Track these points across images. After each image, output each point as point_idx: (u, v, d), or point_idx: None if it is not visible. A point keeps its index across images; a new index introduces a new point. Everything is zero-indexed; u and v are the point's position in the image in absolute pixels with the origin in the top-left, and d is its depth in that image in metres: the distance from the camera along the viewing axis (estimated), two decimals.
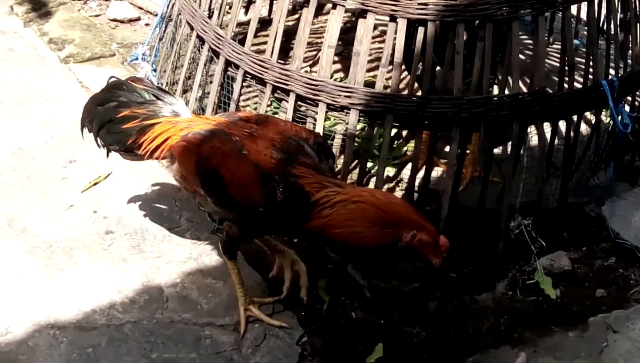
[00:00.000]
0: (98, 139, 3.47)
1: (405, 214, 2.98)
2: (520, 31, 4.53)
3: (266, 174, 2.98)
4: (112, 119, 3.38)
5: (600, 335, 3.41)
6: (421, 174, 3.68)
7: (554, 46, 4.59)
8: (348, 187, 3.06)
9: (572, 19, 4.40)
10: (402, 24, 3.41)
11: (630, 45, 3.83)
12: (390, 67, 3.52)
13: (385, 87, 3.59)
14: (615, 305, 3.56)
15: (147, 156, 3.33)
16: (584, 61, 3.69)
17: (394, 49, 3.47)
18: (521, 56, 4.40)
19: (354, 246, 3.05)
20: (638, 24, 3.87)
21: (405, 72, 3.93)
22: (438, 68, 3.64)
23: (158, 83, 4.29)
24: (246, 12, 4.81)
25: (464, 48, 3.45)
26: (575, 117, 3.66)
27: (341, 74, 4.51)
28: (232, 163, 3.03)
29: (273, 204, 2.98)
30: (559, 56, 3.79)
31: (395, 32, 3.45)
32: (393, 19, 3.43)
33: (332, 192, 2.96)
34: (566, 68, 3.56)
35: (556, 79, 3.70)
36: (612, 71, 3.77)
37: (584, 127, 3.84)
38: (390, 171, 4.01)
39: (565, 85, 3.61)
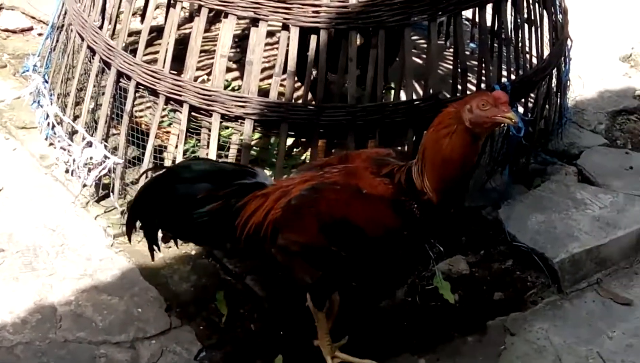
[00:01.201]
0: (162, 232, 3.19)
1: (447, 114, 2.84)
2: (419, 35, 4.59)
3: (395, 201, 2.89)
4: (188, 205, 3.01)
5: (498, 339, 3.45)
6: None
7: (451, 50, 4.62)
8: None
9: (468, 23, 4.47)
10: (294, 32, 3.39)
11: (525, 48, 3.86)
12: (284, 75, 3.48)
13: (282, 94, 3.57)
14: (512, 308, 3.59)
15: (244, 238, 3.04)
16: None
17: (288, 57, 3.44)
18: (419, 61, 4.44)
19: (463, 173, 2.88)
20: (532, 27, 3.91)
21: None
22: (333, 75, 3.62)
23: (50, 96, 4.18)
24: (142, 21, 4.73)
25: (361, 54, 3.45)
26: None
27: (240, 82, 4.46)
28: (360, 206, 2.91)
29: (414, 223, 2.91)
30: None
31: (289, 40, 3.43)
32: (286, 27, 3.39)
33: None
34: (459, 73, 3.57)
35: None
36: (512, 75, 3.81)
37: None
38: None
39: (460, 88, 3.63)
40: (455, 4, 3.44)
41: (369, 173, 2.93)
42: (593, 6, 5.61)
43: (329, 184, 2.95)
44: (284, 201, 2.97)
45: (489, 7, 3.70)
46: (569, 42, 4.18)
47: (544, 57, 3.90)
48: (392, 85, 3.80)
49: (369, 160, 2.99)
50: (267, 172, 3.15)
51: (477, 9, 3.67)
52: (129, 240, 3.30)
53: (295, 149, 4.08)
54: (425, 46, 4.62)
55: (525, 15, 3.84)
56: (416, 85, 4.00)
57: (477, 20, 4.00)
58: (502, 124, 3.16)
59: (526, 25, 3.87)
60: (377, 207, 2.89)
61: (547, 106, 4.07)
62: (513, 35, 3.85)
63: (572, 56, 4.31)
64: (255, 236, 3.00)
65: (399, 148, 3.55)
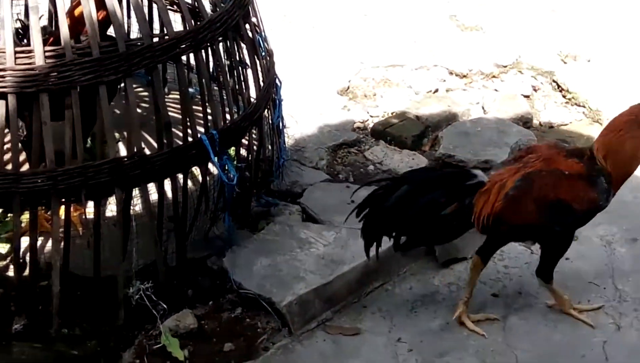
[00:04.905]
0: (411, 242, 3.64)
1: (629, 123, 3.45)
2: (136, 84, 4.48)
3: (590, 176, 3.47)
4: (434, 210, 3.51)
5: None
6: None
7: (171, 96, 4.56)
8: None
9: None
10: None
11: (230, 95, 3.83)
12: None
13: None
14: (243, 357, 3.56)
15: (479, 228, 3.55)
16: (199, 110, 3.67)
17: None
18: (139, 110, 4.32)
19: None
20: (236, 74, 3.89)
21: None
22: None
23: None
24: None
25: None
26: (181, 175, 3.61)
27: None
28: (566, 186, 3.47)
29: (606, 194, 3.49)
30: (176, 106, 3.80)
31: None
32: None
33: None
34: (163, 126, 3.50)
35: (176, 131, 3.63)
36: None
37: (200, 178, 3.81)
38: (3, 248, 3.79)
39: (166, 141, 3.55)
40: (150, 58, 3.36)
41: (561, 157, 3.52)
42: (307, 45, 5.71)
43: (537, 172, 3.49)
44: (502, 193, 3.47)
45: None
46: (278, 83, 4.19)
47: (252, 101, 3.88)
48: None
49: (553, 146, 3.64)
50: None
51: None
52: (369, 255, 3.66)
53: (8, 215, 3.88)
54: (143, 95, 4.56)
55: (228, 62, 3.81)
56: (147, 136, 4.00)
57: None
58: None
59: (229, 71, 3.84)
60: (578, 184, 3.47)
61: (263, 149, 4.05)
62: (218, 82, 3.83)
63: (285, 95, 4.34)
64: (486, 225, 3.51)
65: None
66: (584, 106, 5.32)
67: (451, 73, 5.55)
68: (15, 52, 3.17)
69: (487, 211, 3.49)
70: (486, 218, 3.49)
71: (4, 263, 3.76)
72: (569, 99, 5.39)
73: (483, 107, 5.25)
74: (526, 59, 5.69)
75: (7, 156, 3.38)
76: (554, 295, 3.76)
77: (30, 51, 3.19)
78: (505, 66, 5.65)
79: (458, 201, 3.52)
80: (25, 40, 3.67)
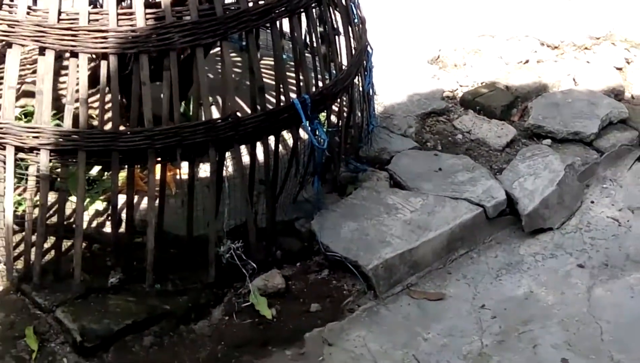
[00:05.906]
0: None
1: None
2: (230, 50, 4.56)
3: None
4: None
5: (316, 350, 3.46)
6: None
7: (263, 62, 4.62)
8: None
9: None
10: (83, 59, 3.31)
11: (321, 60, 3.88)
12: (77, 104, 3.40)
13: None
14: (329, 318, 3.62)
15: None
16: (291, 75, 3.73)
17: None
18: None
19: None
20: (330, 39, 3.94)
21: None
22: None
23: None
24: None
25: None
26: (272, 138, 3.68)
27: None
28: None
29: None
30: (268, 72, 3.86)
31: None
32: (74, 54, 3.32)
33: None
34: (257, 90, 3.57)
35: (268, 96, 3.69)
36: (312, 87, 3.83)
37: (291, 143, 3.88)
38: (100, 205, 3.91)
39: (259, 105, 3.62)
40: (246, 22, 3.43)
41: None
42: (399, 13, 5.72)
43: None
44: None
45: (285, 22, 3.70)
46: (369, 50, 4.23)
47: (343, 67, 3.92)
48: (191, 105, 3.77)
49: None
50: None
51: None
52: None
53: (106, 173, 4.00)
54: (236, 60, 4.63)
55: (321, 28, 3.85)
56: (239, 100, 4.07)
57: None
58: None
59: (322, 37, 3.89)
60: None
61: (353, 115, 4.10)
62: (310, 48, 3.88)
63: (376, 63, 4.37)
64: None
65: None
66: None
67: (542, 44, 5.51)
68: (118, 14, 3.27)
69: None
70: None
71: (101, 219, 3.87)
72: None
73: (574, 79, 5.21)
74: (619, 31, 5.62)
75: (106, 116, 3.50)
76: None
77: (131, 13, 3.29)
78: (598, 38, 5.59)
79: None
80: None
